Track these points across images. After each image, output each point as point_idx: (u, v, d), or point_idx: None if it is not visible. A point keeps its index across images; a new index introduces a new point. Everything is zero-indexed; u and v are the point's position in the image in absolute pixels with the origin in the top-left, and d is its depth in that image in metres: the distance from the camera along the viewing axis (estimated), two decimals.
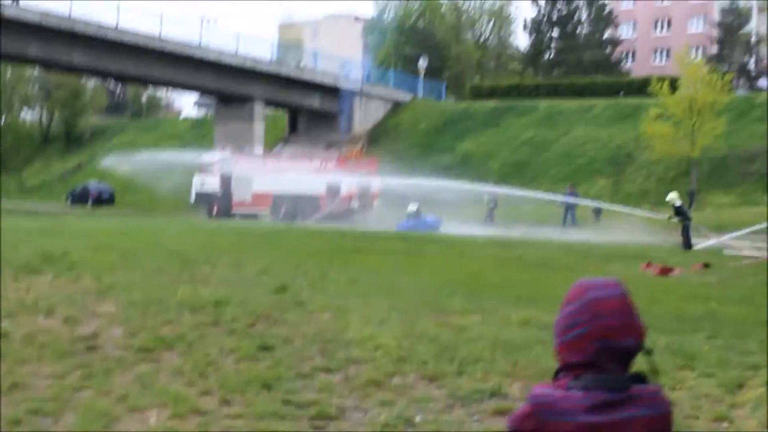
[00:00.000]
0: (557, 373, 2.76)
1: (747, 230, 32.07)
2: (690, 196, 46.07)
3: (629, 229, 36.06)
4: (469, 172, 56.27)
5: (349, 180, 45.20)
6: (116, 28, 50.79)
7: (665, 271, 20.70)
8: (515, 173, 55.15)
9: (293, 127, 69.27)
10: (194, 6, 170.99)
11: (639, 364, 2.75)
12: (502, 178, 51.67)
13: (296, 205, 45.40)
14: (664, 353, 9.84)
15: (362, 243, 25.97)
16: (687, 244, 29.63)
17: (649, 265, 21.79)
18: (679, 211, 30.56)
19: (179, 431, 6.91)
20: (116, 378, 8.37)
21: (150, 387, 8.11)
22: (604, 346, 2.64)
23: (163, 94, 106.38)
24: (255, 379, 8.36)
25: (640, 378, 2.71)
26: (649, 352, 2.74)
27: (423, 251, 24.12)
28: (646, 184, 50.66)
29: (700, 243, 30.63)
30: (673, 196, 31.38)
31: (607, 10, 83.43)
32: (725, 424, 7.52)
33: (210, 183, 49.26)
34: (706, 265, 22.49)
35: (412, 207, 40.39)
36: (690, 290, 16.68)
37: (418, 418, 7.42)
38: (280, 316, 11.66)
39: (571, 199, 44.09)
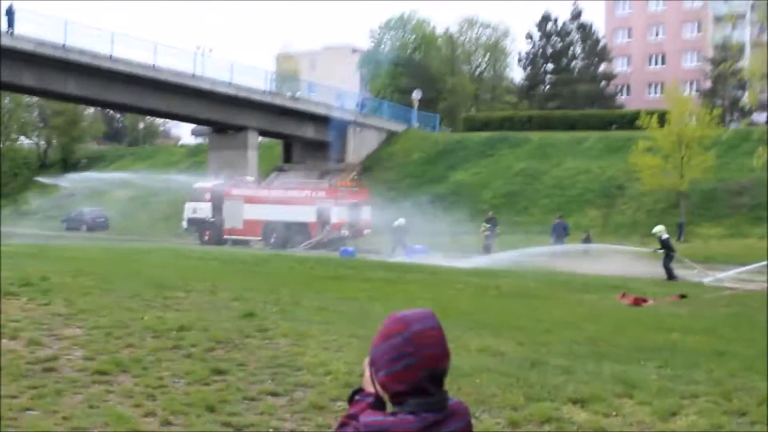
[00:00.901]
0: (352, 396, 3.02)
1: (747, 267, 31.96)
2: (679, 228, 46.38)
3: (618, 260, 36.26)
4: (462, 201, 56.61)
5: (340, 208, 45.45)
6: (110, 57, 51.07)
7: (638, 301, 20.90)
8: (507, 203, 55.44)
9: (288, 155, 69.61)
10: (189, 37, 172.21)
11: None
12: (494, 208, 51.83)
13: (286, 232, 45.68)
14: (608, 381, 10.07)
15: (344, 270, 26.21)
16: (670, 276, 29.87)
17: (624, 295, 21.97)
18: (664, 244, 30.80)
19: None
20: (66, 399, 8.58)
21: (96, 408, 8.33)
22: (429, 374, 2.88)
23: (161, 122, 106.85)
24: (200, 402, 8.58)
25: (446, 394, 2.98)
26: None
27: (403, 280, 24.32)
28: (636, 215, 50.93)
29: (702, 277, 30.67)
30: (659, 229, 31.67)
31: (602, 45, 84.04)
32: None
33: (202, 209, 49.55)
34: (683, 296, 22.66)
35: (401, 221, 41.22)
36: (657, 321, 16.86)
37: None
38: (241, 341, 11.88)
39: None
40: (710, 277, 30.58)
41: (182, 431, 7.71)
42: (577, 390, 9.55)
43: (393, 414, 2.88)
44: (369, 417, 2.90)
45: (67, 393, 8.82)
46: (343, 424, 2.98)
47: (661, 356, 12.21)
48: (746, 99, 22.80)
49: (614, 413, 8.84)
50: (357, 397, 3.03)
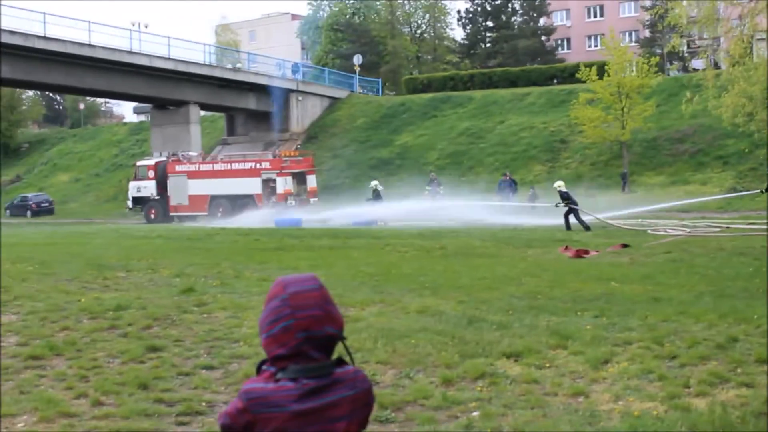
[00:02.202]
0: (260, 367, 2.96)
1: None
2: (623, 178, 46.77)
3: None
4: (408, 164, 56.64)
5: (285, 178, 45.26)
6: (44, 37, 50.19)
7: (580, 253, 21.06)
8: (453, 164, 55.44)
9: (231, 128, 69.02)
10: (124, 14, 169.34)
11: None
12: (440, 169, 51.91)
13: (233, 206, 45.46)
14: (543, 334, 10.16)
15: (289, 241, 26.14)
16: (568, 227, 30.57)
17: (567, 248, 22.12)
18: (564, 197, 31.41)
19: None
20: None
21: (28, 393, 8.25)
22: (308, 336, 2.84)
23: (102, 101, 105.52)
24: (133, 380, 8.53)
25: (340, 362, 2.93)
26: (343, 339, 2.95)
27: (348, 246, 24.31)
28: (580, 168, 51.20)
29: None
30: (559, 183, 32.60)
31: None
32: (580, 399, 7.81)
33: (146, 187, 49.15)
34: (625, 246, 22.85)
35: (375, 183, 41.63)
36: (597, 271, 16.99)
37: None
38: (179, 317, 11.83)
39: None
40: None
41: (113, 410, 7.66)
42: (512, 344, 9.64)
43: (276, 381, 2.86)
44: (250, 384, 2.88)
45: None
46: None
47: (598, 306, 12.34)
48: (673, 45, 22.96)
49: (547, 365, 8.94)
50: (264, 367, 2.98)
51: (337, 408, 2.87)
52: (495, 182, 47.21)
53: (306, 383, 2.83)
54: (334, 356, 2.95)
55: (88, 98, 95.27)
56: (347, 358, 2.98)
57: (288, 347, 2.84)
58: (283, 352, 2.85)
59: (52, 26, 51.32)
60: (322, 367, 2.87)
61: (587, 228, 30.09)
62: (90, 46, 52.39)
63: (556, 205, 31.86)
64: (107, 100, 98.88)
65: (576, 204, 31.46)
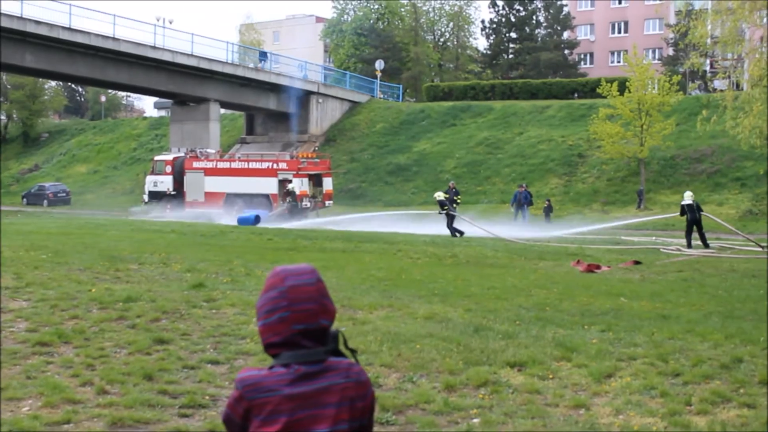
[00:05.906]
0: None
1: None
2: (639, 195, 46.66)
3: (579, 227, 36.72)
4: (425, 171, 56.66)
5: (301, 179, 45.29)
6: (68, 28, 50.44)
7: (592, 267, 21.04)
8: (470, 173, 55.44)
9: (250, 127, 69.20)
10: (149, 9, 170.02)
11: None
12: (457, 178, 51.90)
13: (248, 204, 45.55)
14: (548, 345, 10.19)
15: (302, 241, 26.23)
16: (453, 233, 32.23)
17: (578, 262, 22.12)
18: (443, 205, 33.17)
19: (44, 419, 7.14)
20: (3, 371, 8.58)
21: (34, 378, 8.35)
22: (303, 328, 2.93)
23: (123, 95, 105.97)
24: (139, 371, 8.62)
25: (335, 352, 3.00)
26: (337, 333, 3.03)
27: (360, 249, 24.36)
28: (597, 183, 51.11)
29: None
30: (438, 193, 34.84)
31: (564, 12, 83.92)
32: (581, 411, 7.83)
33: (163, 182, 49.31)
34: (637, 263, 22.85)
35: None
36: (607, 286, 16.99)
37: None
38: (188, 311, 11.92)
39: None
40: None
41: (117, 399, 7.74)
42: (517, 354, 9.68)
43: (270, 368, 2.94)
44: (244, 373, 2.97)
45: (5, 365, 8.83)
46: None
47: (605, 321, 12.35)
48: (692, 63, 22.62)
49: (551, 376, 8.98)
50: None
51: (327, 394, 2.94)
52: (511, 193, 47.32)
53: (298, 368, 2.91)
54: (336, 350, 3.02)
55: (109, 91, 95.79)
56: (348, 354, 3.05)
57: (282, 336, 2.93)
58: (277, 340, 2.94)
59: (77, 18, 51.59)
60: (314, 353, 2.95)
61: (454, 234, 32.11)
62: (114, 39, 52.60)
63: (439, 213, 33.67)
64: (129, 93, 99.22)
65: (455, 211, 33.89)
